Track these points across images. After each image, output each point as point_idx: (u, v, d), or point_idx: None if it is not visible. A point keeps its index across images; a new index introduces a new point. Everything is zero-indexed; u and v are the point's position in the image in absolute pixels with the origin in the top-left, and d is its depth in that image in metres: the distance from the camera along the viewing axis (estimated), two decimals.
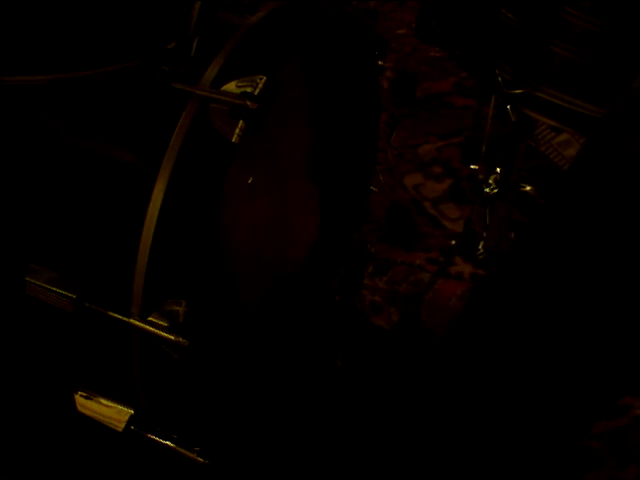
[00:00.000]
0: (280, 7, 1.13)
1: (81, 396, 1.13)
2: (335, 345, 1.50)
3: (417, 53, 2.35)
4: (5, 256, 1.11)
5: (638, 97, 1.04)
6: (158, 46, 1.05)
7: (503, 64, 1.41)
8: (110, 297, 1.04)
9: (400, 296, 1.75)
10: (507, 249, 1.68)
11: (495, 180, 1.65)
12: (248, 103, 0.98)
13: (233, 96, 0.99)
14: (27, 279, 1.05)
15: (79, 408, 1.13)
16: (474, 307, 1.26)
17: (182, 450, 1.13)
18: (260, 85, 1.00)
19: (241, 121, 0.99)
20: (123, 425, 1.11)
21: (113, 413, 1.12)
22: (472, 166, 1.73)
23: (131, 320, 1.02)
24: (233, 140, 0.99)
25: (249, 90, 0.99)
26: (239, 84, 1.00)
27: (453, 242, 1.83)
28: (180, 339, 1.00)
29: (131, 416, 1.11)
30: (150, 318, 1.01)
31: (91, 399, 1.13)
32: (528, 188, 1.71)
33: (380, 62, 1.32)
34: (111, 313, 1.04)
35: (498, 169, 1.64)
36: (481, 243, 1.73)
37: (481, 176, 1.68)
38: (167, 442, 1.13)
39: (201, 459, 1.13)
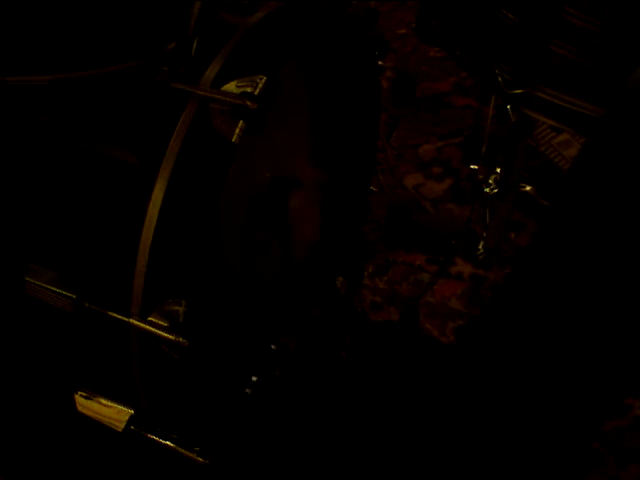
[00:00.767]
0: (280, 7, 1.13)
1: (81, 396, 1.13)
2: (338, 342, 1.50)
3: (417, 53, 2.35)
4: (5, 256, 1.11)
5: (634, 96, 1.04)
6: (158, 46, 1.05)
7: (503, 64, 1.41)
8: (110, 297, 1.04)
9: (400, 296, 1.75)
10: (507, 249, 1.68)
11: (495, 180, 1.65)
12: (248, 103, 0.98)
13: (233, 96, 0.99)
14: (27, 279, 1.05)
15: (79, 408, 1.13)
16: (485, 311, 1.26)
17: (182, 450, 1.13)
18: (260, 85, 1.00)
19: (241, 121, 0.99)
20: (123, 425, 1.11)
21: (113, 413, 1.12)
22: (472, 166, 1.73)
23: (131, 320, 1.02)
24: (233, 140, 0.99)
25: (249, 90, 0.99)
26: (239, 84, 1.00)
27: (453, 242, 1.83)
28: (180, 339, 1.00)
29: (131, 416, 1.11)
30: (150, 318, 1.01)
31: (91, 399, 1.13)
32: (528, 188, 1.71)
33: (380, 62, 1.32)
34: (111, 313, 1.04)
35: (498, 169, 1.64)
36: (481, 243, 1.73)
37: (481, 176, 1.69)
38: (167, 442, 1.13)
39: (201, 459, 1.13)
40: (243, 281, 1.21)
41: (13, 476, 1.33)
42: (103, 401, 1.12)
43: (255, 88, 0.99)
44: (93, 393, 1.13)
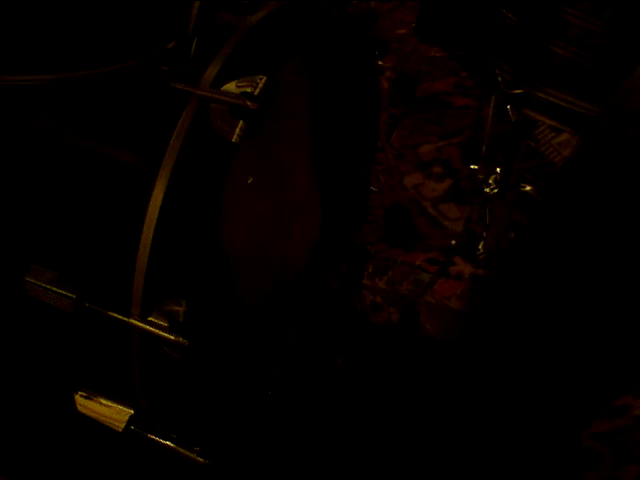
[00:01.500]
0: (280, 7, 1.13)
1: (81, 396, 1.13)
2: (336, 344, 1.50)
3: (417, 53, 2.35)
4: (5, 256, 1.11)
5: (631, 95, 1.04)
6: (158, 46, 1.05)
7: (503, 64, 1.41)
8: (110, 297, 1.04)
9: (400, 296, 1.75)
10: (507, 249, 1.68)
11: (495, 180, 1.65)
12: (248, 103, 0.98)
13: (233, 96, 0.99)
14: (27, 279, 1.05)
15: (79, 408, 1.13)
16: (476, 310, 1.26)
17: (182, 450, 1.13)
18: (260, 85, 1.00)
19: (241, 121, 0.99)
20: (123, 425, 1.11)
21: (113, 413, 1.12)
22: (472, 166, 1.74)
23: (131, 320, 1.02)
24: (233, 140, 0.99)
25: (249, 90, 0.99)
26: (239, 84, 1.00)
27: (453, 242, 1.83)
28: (180, 339, 1.00)
29: (131, 416, 1.11)
30: (150, 318, 1.01)
31: (91, 399, 1.13)
32: (528, 188, 1.71)
33: (380, 62, 1.32)
34: (111, 313, 1.04)
35: (498, 169, 1.64)
36: (481, 243, 1.74)
37: (481, 176, 1.69)
38: (167, 442, 1.14)
39: (201, 459, 1.13)
40: (243, 281, 1.21)
41: (13, 476, 1.33)
42: (103, 401, 1.12)
43: (255, 88, 0.99)
44: (93, 393, 1.13)
